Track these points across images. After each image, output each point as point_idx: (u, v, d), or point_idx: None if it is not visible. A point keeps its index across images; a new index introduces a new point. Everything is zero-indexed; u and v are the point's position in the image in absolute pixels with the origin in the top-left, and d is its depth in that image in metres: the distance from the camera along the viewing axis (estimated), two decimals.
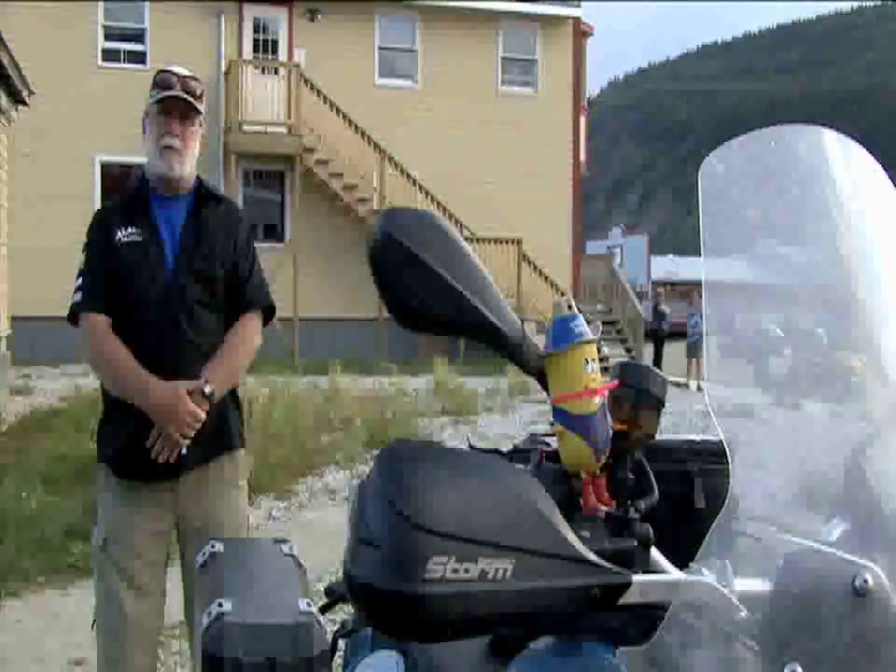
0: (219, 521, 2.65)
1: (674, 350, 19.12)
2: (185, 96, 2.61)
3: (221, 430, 2.70)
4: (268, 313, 2.79)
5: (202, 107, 2.67)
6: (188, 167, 2.67)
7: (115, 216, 2.68)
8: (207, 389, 2.55)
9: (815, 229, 1.16)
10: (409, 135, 18.60)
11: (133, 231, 2.64)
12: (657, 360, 18.65)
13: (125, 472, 2.62)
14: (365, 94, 18.68)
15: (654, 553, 1.02)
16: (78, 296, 2.65)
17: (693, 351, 17.12)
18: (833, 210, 1.15)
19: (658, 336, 19.48)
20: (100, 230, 2.67)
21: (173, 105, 2.61)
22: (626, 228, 44.78)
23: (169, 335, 2.60)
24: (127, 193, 2.76)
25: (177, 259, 2.63)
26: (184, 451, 2.55)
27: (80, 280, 2.67)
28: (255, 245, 2.82)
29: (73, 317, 2.65)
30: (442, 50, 19.57)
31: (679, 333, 19.57)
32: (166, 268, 2.62)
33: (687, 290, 22.12)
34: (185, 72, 2.66)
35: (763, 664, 0.89)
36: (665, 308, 19.75)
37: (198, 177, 2.76)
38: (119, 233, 2.63)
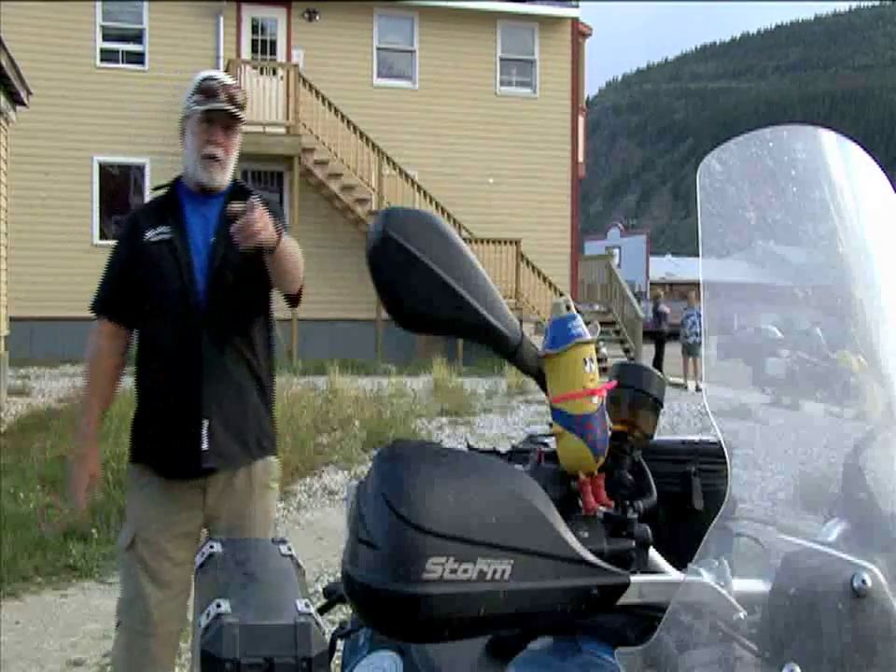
0: (249, 522, 2.65)
1: (675, 351, 19.12)
2: (231, 109, 2.64)
3: (259, 436, 2.69)
4: (294, 298, 2.75)
5: (244, 116, 2.70)
6: (228, 175, 2.70)
7: (146, 217, 2.71)
8: (280, 232, 2.48)
9: (813, 229, 1.16)
10: (407, 136, 18.60)
11: (164, 229, 2.65)
12: (658, 361, 18.64)
13: (157, 469, 2.64)
14: (363, 95, 18.68)
15: (653, 553, 1.02)
16: (94, 297, 2.72)
17: (690, 350, 17.14)
18: (831, 210, 1.15)
19: (659, 336, 19.49)
20: (129, 232, 2.70)
21: (219, 115, 2.64)
22: (625, 228, 44.78)
23: (206, 323, 2.59)
24: (161, 196, 2.78)
25: (210, 255, 2.63)
26: (204, 446, 2.55)
27: (102, 280, 2.74)
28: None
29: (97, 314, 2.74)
30: (441, 51, 19.56)
31: (678, 334, 19.58)
32: (196, 264, 2.62)
33: (687, 291, 22.14)
34: (229, 80, 2.70)
35: (761, 664, 0.89)
36: (664, 308, 19.75)
37: (234, 179, 2.79)
38: (148, 234, 2.65)
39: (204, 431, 2.57)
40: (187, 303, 2.60)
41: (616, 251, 25.65)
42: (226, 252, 2.61)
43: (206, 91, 2.65)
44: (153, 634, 2.57)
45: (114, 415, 8.60)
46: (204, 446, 2.56)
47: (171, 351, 2.59)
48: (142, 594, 2.58)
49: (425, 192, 17.76)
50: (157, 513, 2.61)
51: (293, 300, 2.75)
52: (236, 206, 2.43)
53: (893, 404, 1.05)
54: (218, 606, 1.70)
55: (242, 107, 2.68)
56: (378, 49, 19.42)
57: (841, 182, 1.17)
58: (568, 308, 1.02)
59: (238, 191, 2.72)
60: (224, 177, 2.69)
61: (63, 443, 8.24)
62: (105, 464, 6.76)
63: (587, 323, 1.03)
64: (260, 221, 2.40)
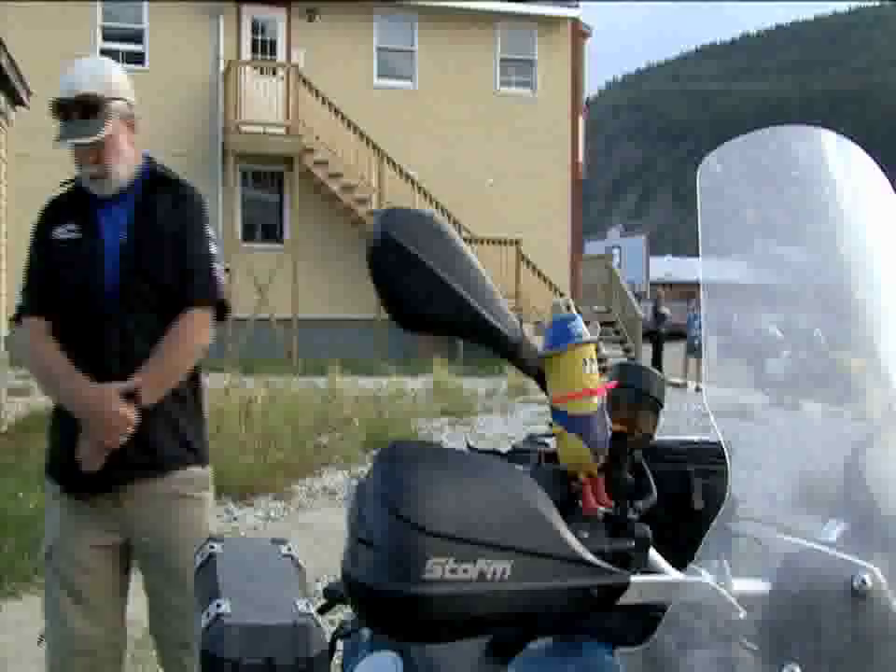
0: (169, 533, 2.49)
1: (673, 351, 19.12)
2: (84, 140, 2.42)
3: (174, 445, 2.51)
4: (219, 309, 2.56)
5: (106, 113, 2.46)
6: (121, 177, 2.51)
7: (55, 213, 2.55)
8: (133, 389, 2.36)
9: (813, 229, 1.16)
10: (407, 136, 18.61)
11: (73, 228, 2.49)
12: (656, 361, 18.66)
13: (63, 484, 2.50)
14: (364, 95, 18.69)
15: (653, 553, 1.02)
16: (20, 297, 2.56)
17: (695, 350, 17.15)
18: (831, 211, 1.15)
19: (656, 337, 19.50)
20: (39, 227, 2.55)
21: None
22: (625, 228, 44.79)
23: (108, 339, 2.43)
24: (71, 187, 2.58)
25: (119, 257, 2.46)
26: (119, 455, 2.38)
27: (24, 280, 2.57)
28: (210, 233, 2.60)
29: (18, 319, 2.55)
30: (441, 51, 19.57)
31: (678, 334, 19.59)
32: (106, 268, 2.45)
33: (687, 291, 22.13)
34: (79, 90, 2.44)
35: (761, 664, 0.89)
36: (664, 310, 19.77)
37: (148, 159, 2.60)
38: (57, 230, 2.50)
39: None
40: (93, 307, 2.44)
41: (616, 251, 25.70)
42: (137, 252, 2.47)
43: (60, 113, 2.45)
44: (75, 651, 2.46)
45: None
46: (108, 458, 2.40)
47: (75, 357, 2.43)
48: (60, 608, 2.47)
49: (425, 192, 17.77)
50: (68, 524, 2.49)
51: (218, 316, 2.57)
52: (83, 448, 2.36)
53: (893, 404, 1.05)
54: (218, 606, 1.70)
55: (101, 105, 2.44)
56: (378, 49, 19.43)
57: (841, 182, 1.17)
58: (568, 308, 1.02)
59: (151, 182, 2.55)
60: (115, 182, 2.49)
61: None
62: None
63: (587, 323, 1.03)
64: (111, 434, 2.33)
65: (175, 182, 2.62)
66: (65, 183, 2.62)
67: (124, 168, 2.52)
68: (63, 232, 2.50)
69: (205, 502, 2.60)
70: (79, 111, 2.45)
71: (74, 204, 2.55)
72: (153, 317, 2.47)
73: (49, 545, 2.52)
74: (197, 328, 2.50)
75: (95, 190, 2.51)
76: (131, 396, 2.38)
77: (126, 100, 2.56)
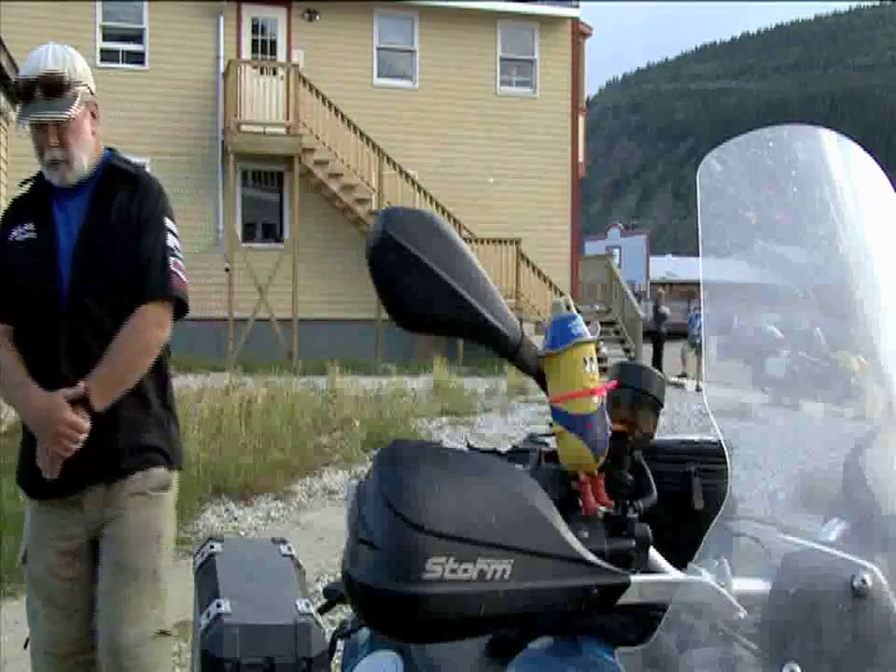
0: (126, 534, 2.42)
1: (673, 351, 19.13)
2: (47, 117, 2.36)
3: (135, 447, 2.43)
4: (178, 306, 2.44)
5: (71, 95, 2.39)
6: (81, 167, 2.43)
7: (14, 214, 2.48)
8: (83, 394, 2.26)
9: (813, 229, 1.16)
10: (408, 136, 18.61)
11: (29, 227, 2.42)
12: (656, 361, 18.67)
13: (27, 490, 2.50)
14: (364, 94, 18.68)
15: (653, 553, 1.02)
16: None
17: (697, 350, 17.18)
18: (831, 210, 1.15)
19: (656, 336, 19.52)
20: (0, 230, 2.49)
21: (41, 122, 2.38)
22: (625, 228, 44.77)
23: (62, 342, 2.36)
24: (29, 187, 2.53)
25: (75, 256, 2.38)
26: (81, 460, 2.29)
27: None
28: (170, 225, 2.49)
29: None
30: (441, 51, 19.57)
31: (678, 333, 19.59)
32: (60, 268, 2.38)
33: (687, 291, 22.14)
34: (44, 69, 2.36)
35: (761, 663, 0.90)
36: (665, 310, 19.79)
37: (110, 152, 2.53)
38: (14, 231, 2.43)
39: None
40: (47, 309, 2.36)
41: (616, 251, 25.69)
42: (91, 251, 2.38)
43: (23, 92, 2.36)
44: (51, 654, 2.45)
45: None
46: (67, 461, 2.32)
47: (30, 359, 2.36)
48: (37, 612, 2.48)
49: (425, 192, 17.76)
50: (40, 530, 2.48)
51: (177, 313, 2.46)
52: (42, 456, 2.29)
53: (893, 404, 1.05)
54: (219, 606, 1.70)
55: (65, 87, 2.36)
56: (378, 48, 19.42)
57: (841, 182, 1.17)
58: (568, 308, 1.02)
59: (109, 174, 2.47)
60: (76, 173, 2.41)
61: None
62: None
63: (587, 323, 1.03)
64: (60, 442, 2.24)
65: (133, 175, 2.50)
66: (25, 182, 2.56)
67: (86, 157, 2.44)
68: (20, 233, 2.43)
69: (162, 502, 2.50)
70: (43, 91, 2.36)
71: (32, 203, 2.48)
72: (108, 319, 2.37)
73: (24, 550, 2.52)
74: (151, 324, 2.37)
75: (56, 180, 2.42)
76: (83, 401, 2.27)
77: (89, 87, 2.48)
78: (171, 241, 2.45)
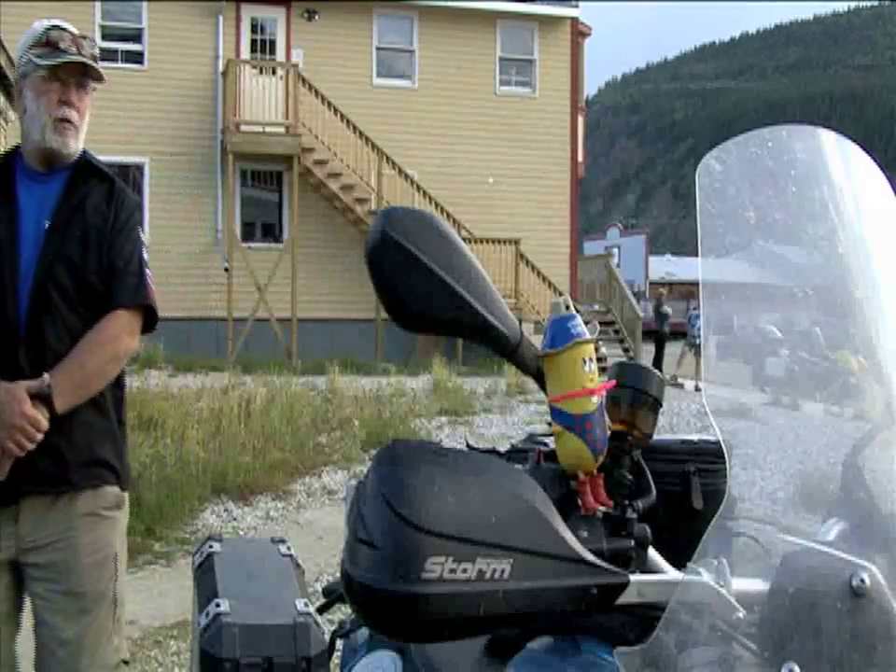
0: (71, 554, 2.24)
1: (670, 352, 19.13)
2: (86, 61, 2.26)
3: (89, 462, 2.27)
4: (147, 315, 2.32)
5: (101, 73, 2.32)
6: (81, 144, 2.32)
7: None
8: (46, 390, 2.12)
9: (812, 229, 1.16)
10: (407, 135, 18.60)
11: None
12: (658, 361, 18.66)
13: None
14: (363, 94, 18.68)
15: (652, 553, 1.02)
16: None
17: (696, 350, 17.17)
18: (830, 210, 1.15)
19: (659, 336, 19.51)
20: None
21: (71, 70, 2.27)
22: (624, 228, 44.78)
23: (26, 334, 2.20)
24: None
25: (42, 245, 2.24)
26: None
27: None
28: (141, 235, 2.38)
29: None
30: (441, 51, 19.56)
31: (680, 333, 19.59)
32: (23, 256, 2.22)
33: (686, 291, 22.14)
34: (76, 30, 2.33)
35: (760, 663, 0.90)
36: (667, 309, 19.79)
37: (85, 151, 2.39)
38: None
39: None
40: (4, 305, 2.20)
41: (615, 251, 25.70)
42: (62, 243, 2.24)
43: (51, 42, 2.25)
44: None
45: None
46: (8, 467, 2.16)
47: None
48: None
49: (424, 192, 17.76)
50: None
51: (145, 326, 2.34)
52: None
53: (892, 404, 1.05)
54: (218, 605, 1.70)
55: (97, 60, 2.31)
56: (378, 48, 19.42)
57: (840, 182, 1.17)
58: (567, 307, 1.02)
59: (85, 169, 2.34)
60: (78, 145, 2.29)
61: None
62: None
63: (586, 322, 1.03)
64: (15, 436, 2.07)
65: (109, 177, 2.39)
66: None
67: (82, 139, 2.33)
68: None
69: (116, 523, 2.35)
70: (77, 47, 2.27)
71: None
72: (73, 316, 2.24)
73: None
74: (123, 330, 2.26)
75: (55, 143, 2.26)
76: (44, 400, 2.13)
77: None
78: (145, 254, 2.37)
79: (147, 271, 2.34)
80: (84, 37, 2.33)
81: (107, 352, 2.23)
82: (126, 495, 2.41)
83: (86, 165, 2.35)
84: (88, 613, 2.26)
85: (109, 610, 2.30)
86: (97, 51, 2.36)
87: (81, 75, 2.30)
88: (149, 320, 2.34)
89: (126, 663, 2.36)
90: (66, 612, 2.26)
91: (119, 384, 2.38)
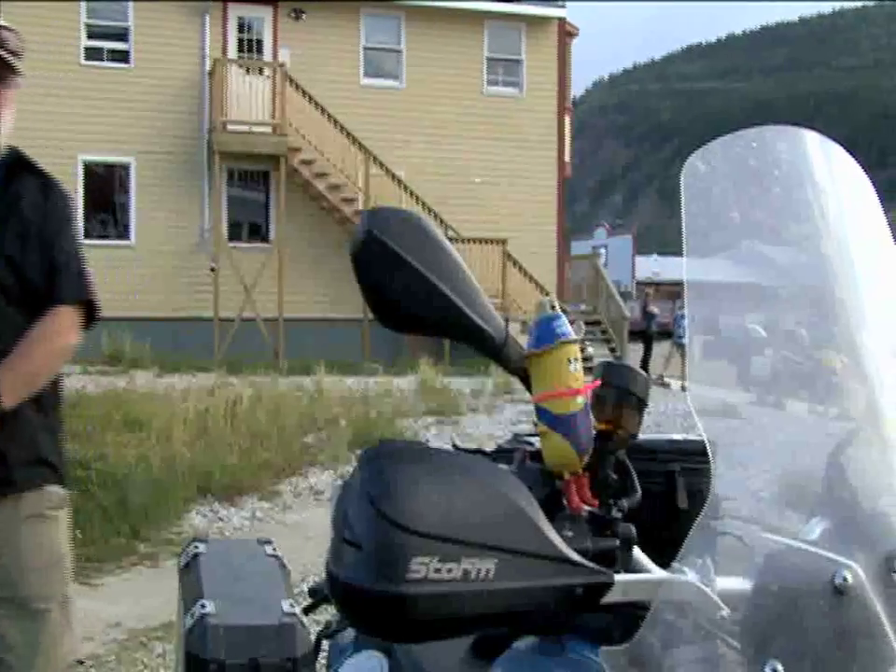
0: (13, 555, 2.18)
1: (663, 350, 19.19)
2: (4, 55, 2.19)
3: (29, 462, 2.21)
4: (88, 310, 2.27)
5: (19, 65, 2.24)
6: (3, 138, 2.24)
7: None
8: None
9: (797, 229, 1.17)
10: (394, 135, 18.59)
11: None
12: (646, 361, 18.71)
13: None
14: (350, 94, 18.65)
15: (637, 552, 1.02)
16: None
17: (682, 350, 17.22)
18: (814, 211, 1.16)
19: (647, 336, 19.56)
20: None
21: None
22: (611, 228, 44.86)
23: None
24: None
25: None
26: None
27: None
28: (78, 234, 2.34)
29: None
30: (428, 50, 19.56)
31: (668, 332, 19.65)
32: None
33: (673, 291, 22.23)
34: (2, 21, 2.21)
35: (744, 661, 0.90)
36: (654, 309, 19.84)
37: (11, 147, 2.30)
38: None
39: None
40: None
41: (602, 251, 25.75)
42: (1, 241, 2.18)
43: None
44: None
45: (94, 415, 8.56)
46: None
47: None
48: None
49: (411, 192, 17.75)
50: None
51: (86, 323, 2.28)
52: None
53: (874, 403, 1.06)
54: (203, 606, 1.69)
55: (17, 55, 2.22)
56: (365, 48, 19.40)
57: (824, 182, 1.18)
58: (553, 307, 1.02)
59: (15, 166, 2.27)
60: (2, 141, 2.22)
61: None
62: (84, 464, 6.73)
63: (571, 322, 1.04)
64: None
65: (42, 173, 2.33)
66: None
67: (4, 134, 2.26)
68: None
69: (60, 522, 2.30)
70: (1, 43, 2.19)
71: None
72: (17, 314, 2.19)
73: None
74: (65, 327, 2.21)
75: None
76: None
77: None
78: (83, 252, 2.32)
79: (86, 267, 2.29)
80: (9, 29, 2.25)
81: (52, 348, 2.20)
82: (66, 493, 2.35)
83: (17, 161, 2.28)
84: (38, 618, 2.20)
85: (59, 612, 2.24)
86: (18, 45, 2.28)
87: (2, 66, 2.22)
88: (91, 315, 2.29)
89: (81, 662, 2.34)
90: (15, 618, 2.19)
91: (56, 384, 2.33)
